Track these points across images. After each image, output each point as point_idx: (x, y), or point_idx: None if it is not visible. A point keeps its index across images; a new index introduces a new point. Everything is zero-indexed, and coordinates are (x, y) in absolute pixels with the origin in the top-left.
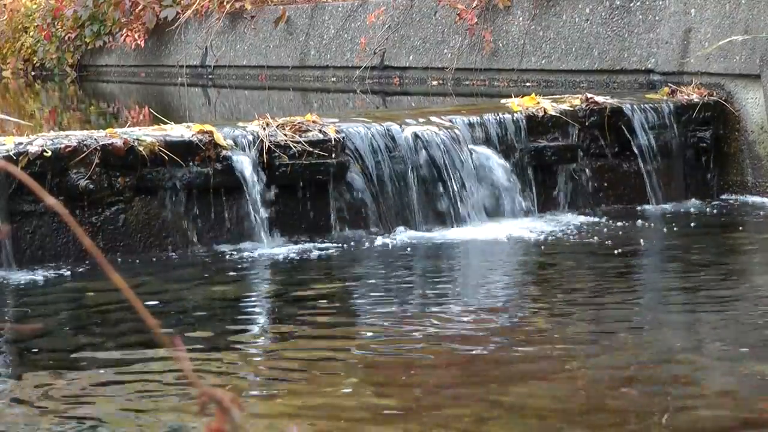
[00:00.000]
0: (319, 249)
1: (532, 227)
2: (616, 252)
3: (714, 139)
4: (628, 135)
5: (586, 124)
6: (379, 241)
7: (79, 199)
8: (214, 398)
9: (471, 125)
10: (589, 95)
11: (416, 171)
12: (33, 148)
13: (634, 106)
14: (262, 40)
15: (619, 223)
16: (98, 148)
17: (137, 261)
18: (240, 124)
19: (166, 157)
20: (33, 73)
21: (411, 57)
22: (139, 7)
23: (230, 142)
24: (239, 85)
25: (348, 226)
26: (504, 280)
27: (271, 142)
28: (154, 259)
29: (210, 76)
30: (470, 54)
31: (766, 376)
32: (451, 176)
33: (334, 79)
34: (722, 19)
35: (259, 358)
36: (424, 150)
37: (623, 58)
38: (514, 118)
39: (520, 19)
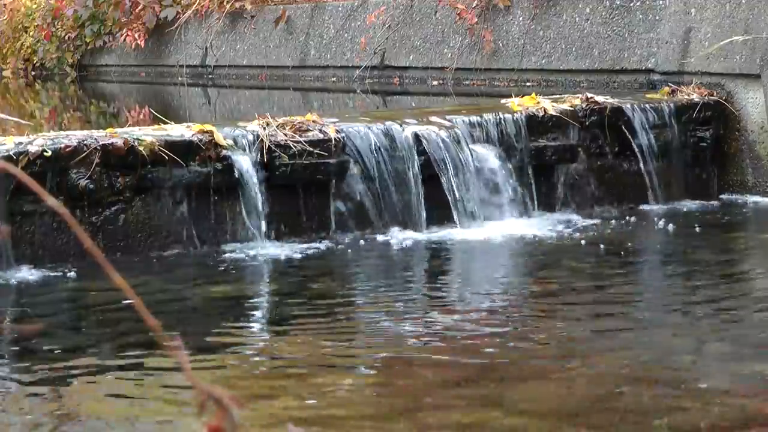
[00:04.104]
0: (319, 249)
1: (532, 227)
2: (616, 252)
3: (714, 139)
4: (628, 135)
5: (586, 124)
6: (379, 241)
7: (79, 199)
8: (214, 397)
9: (471, 125)
10: (589, 95)
11: (416, 171)
12: (33, 148)
13: (635, 106)
14: (262, 40)
15: (619, 223)
16: (98, 148)
17: (137, 261)
18: (240, 124)
19: (167, 157)
20: (33, 73)
21: (411, 57)
22: (139, 7)
23: (230, 141)
24: (239, 85)
25: (348, 226)
26: (504, 280)
27: (271, 141)
28: (154, 259)
29: (210, 76)
30: (470, 54)
31: (766, 376)
32: (451, 176)
33: (334, 79)
34: (722, 19)
35: (258, 358)
36: (424, 150)
37: (623, 58)
38: (514, 118)
39: (520, 18)
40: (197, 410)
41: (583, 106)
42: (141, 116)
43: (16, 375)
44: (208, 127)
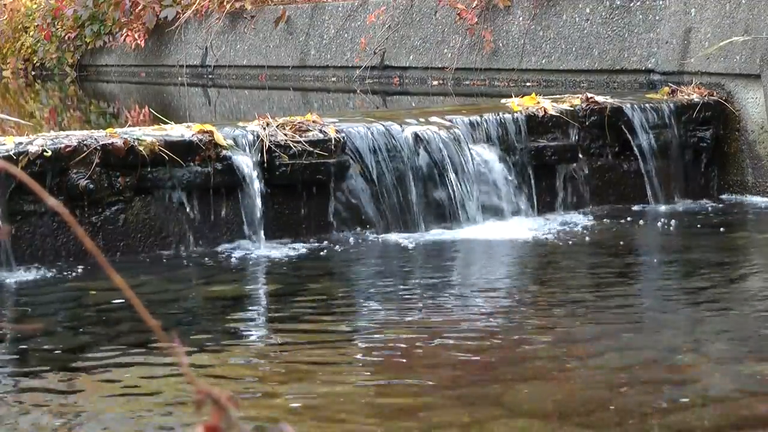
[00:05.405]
0: (319, 249)
1: (532, 227)
2: (615, 252)
3: (714, 139)
4: (628, 135)
5: (586, 123)
6: (379, 241)
7: (79, 199)
8: (211, 396)
9: (471, 125)
10: (589, 95)
11: (416, 171)
12: (33, 148)
13: (634, 106)
14: (262, 40)
15: (619, 223)
16: (98, 148)
17: (137, 261)
18: (240, 124)
19: (167, 157)
20: (33, 73)
21: (411, 57)
22: (139, 7)
23: (230, 141)
24: (239, 85)
25: (348, 226)
26: (504, 280)
27: (271, 141)
28: (154, 259)
29: (210, 76)
30: (470, 54)
31: (766, 376)
32: (451, 176)
33: (334, 79)
34: (722, 19)
35: (258, 358)
36: (424, 150)
37: (623, 58)
38: (514, 118)
39: (520, 18)
40: (195, 410)
41: (583, 106)
42: (141, 116)
43: (17, 375)
44: (208, 127)
